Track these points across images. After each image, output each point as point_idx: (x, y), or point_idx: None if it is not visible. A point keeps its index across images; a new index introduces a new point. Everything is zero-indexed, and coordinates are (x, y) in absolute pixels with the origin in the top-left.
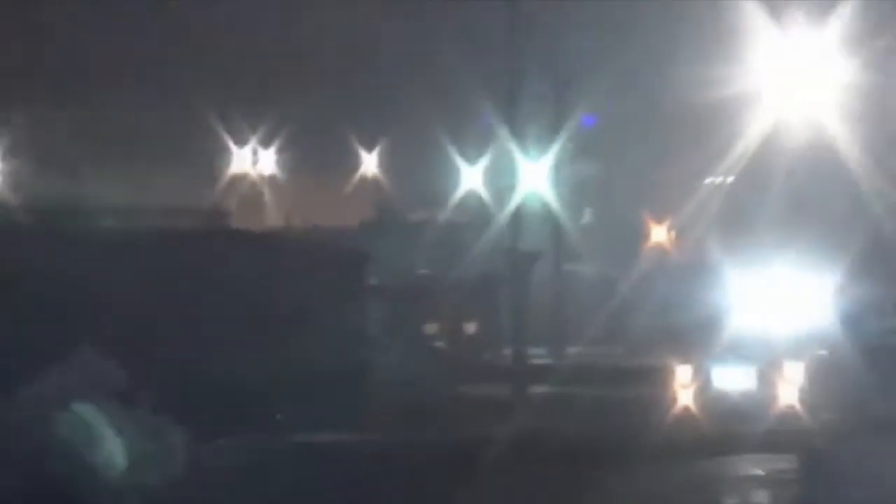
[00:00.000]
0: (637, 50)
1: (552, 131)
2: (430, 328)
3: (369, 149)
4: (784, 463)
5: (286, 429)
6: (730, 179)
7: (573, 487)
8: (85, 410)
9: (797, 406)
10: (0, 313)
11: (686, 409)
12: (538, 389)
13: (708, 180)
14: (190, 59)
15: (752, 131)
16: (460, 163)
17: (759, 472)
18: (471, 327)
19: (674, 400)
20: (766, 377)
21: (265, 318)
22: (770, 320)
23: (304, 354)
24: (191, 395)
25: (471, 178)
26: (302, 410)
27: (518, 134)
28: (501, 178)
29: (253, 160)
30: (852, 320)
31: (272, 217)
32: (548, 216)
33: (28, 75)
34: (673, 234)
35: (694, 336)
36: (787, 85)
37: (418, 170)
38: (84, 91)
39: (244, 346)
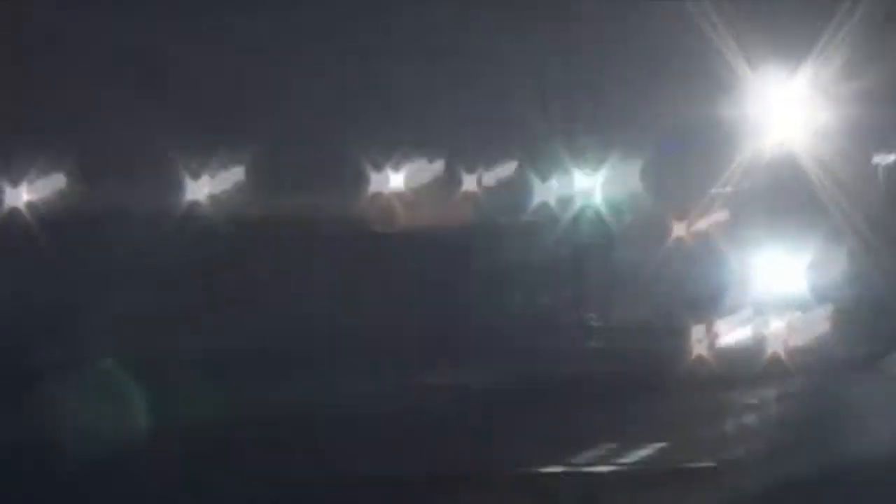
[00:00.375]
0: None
1: (602, 158)
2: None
3: (470, 172)
4: (772, 394)
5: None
6: (730, 189)
7: (621, 412)
8: None
9: (781, 354)
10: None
11: (700, 356)
12: (594, 344)
13: (714, 189)
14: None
15: (747, 154)
16: (535, 181)
17: (754, 400)
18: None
19: (691, 351)
20: (758, 333)
21: (399, 291)
22: (761, 291)
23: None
24: None
25: (543, 191)
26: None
27: (578, 159)
28: (566, 191)
29: (385, 182)
30: (821, 289)
31: (403, 222)
32: (599, 219)
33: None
34: (690, 229)
35: (705, 303)
36: (774, 118)
37: (504, 187)
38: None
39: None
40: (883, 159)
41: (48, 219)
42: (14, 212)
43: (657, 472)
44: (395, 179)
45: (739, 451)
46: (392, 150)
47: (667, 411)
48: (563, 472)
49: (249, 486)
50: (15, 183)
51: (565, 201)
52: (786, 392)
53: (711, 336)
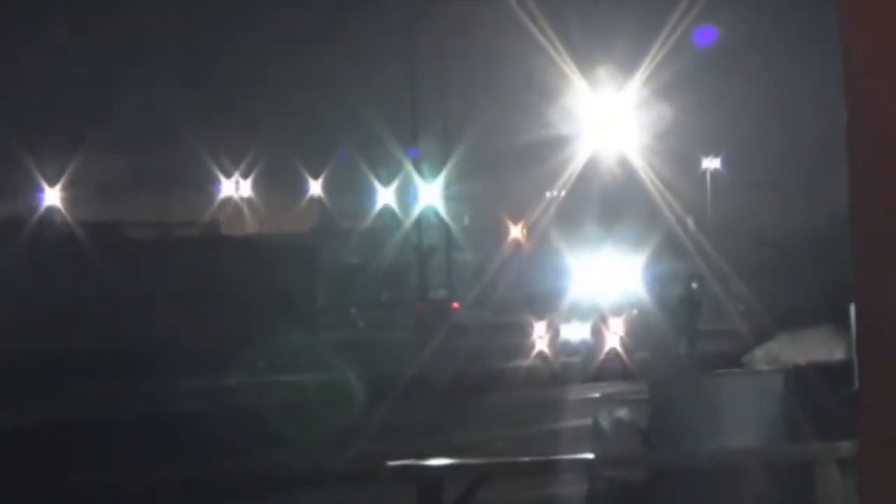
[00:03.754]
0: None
1: (442, 160)
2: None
3: (315, 177)
4: (611, 388)
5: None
6: (563, 193)
7: (462, 410)
8: None
9: (619, 349)
10: None
11: (541, 352)
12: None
13: (548, 193)
14: (183, 100)
15: (578, 159)
16: (377, 185)
17: (596, 394)
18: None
19: (532, 346)
20: (597, 329)
21: (246, 299)
22: (598, 289)
23: (273, 322)
24: None
25: (385, 195)
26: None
27: (418, 164)
28: (407, 196)
29: (235, 187)
30: (653, 288)
31: (249, 226)
32: (439, 222)
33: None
34: (525, 231)
35: (545, 301)
36: (602, 126)
37: (349, 191)
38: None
39: (231, 320)
40: (710, 163)
41: None
42: None
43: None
44: (243, 185)
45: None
46: (240, 156)
47: (514, 408)
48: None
49: None
50: None
51: (407, 205)
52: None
53: (552, 332)
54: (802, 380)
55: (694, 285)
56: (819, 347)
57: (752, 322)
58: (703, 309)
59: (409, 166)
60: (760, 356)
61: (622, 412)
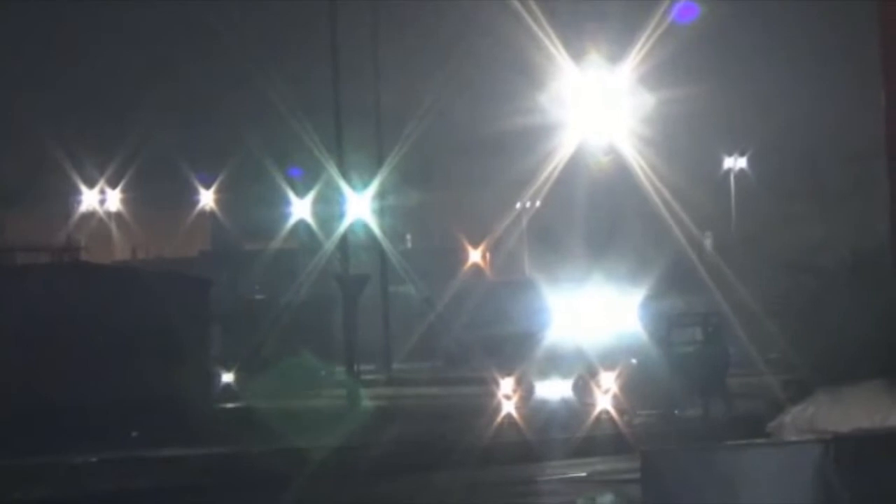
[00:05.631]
0: (451, 84)
1: (375, 164)
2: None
3: (207, 185)
4: (602, 465)
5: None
6: (537, 203)
7: (397, 494)
8: None
9: (611, 411)
10: None
11: (509, 416)
12: (369, 403)
13: (518, 204)
14: (36, 98)
15: (559, 158)
16: (291, 195)
17: (581, 473)
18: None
19: (497, 409)
20: (583, 386)
21: (114, 344)
22: (584, 333)
23: (150, 376)
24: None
25: (301, 208)
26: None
27: (344, 167)
28: (329, 208)
29: (101, 199)
30: (657, 332)
31: (120, 251)
32: (372, 242)
33: None
34: (487, 254)
35: (513, 349)
36: (590, 115)
37: (252, 202)
38: None
39: (93, 371)
40: (735, 163)
41: None
42: None
43: None
44: (110, 196)
45: None
46: (107, 158)
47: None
48: None
49: None
50: None
51: (329, 221)
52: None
53: (524, 389)
54: (846, 453)
55: (711, 327)
56: (869, 409)
57: (783, 374)
58: (731, 357)
59: (332, 169)
60: (790, 422)
61: (606, 499)
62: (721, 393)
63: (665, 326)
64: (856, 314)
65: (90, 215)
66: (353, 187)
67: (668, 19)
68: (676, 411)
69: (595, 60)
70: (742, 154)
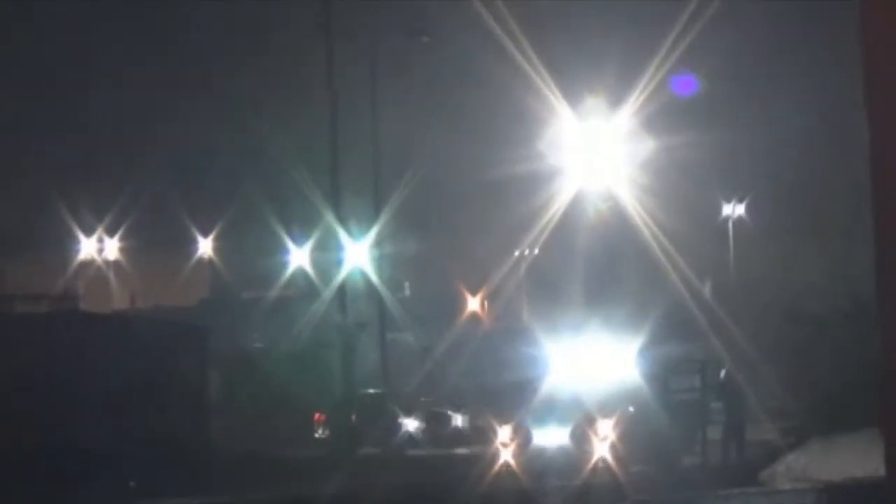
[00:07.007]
0: (449, 131)
1: (373, 213)
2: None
3: (205, 233)
4: None
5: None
6: (536, 251)
7: None
8: None
9: (609, 459)
10: None
11: (506, 464)
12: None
13: (517, 252)
14: (33, 146)
15: (557, 206)
16: (289, 244)
17: None
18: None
19: (495, 457)
20: (581, 434)
21: (111, 393)
22: (582, 380)
23: (149, 425)
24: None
25: (299, 257)
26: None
27: (342, 216)
28: (328, 256)
29: (99, 248)
30: (655, 379)
31: (118, 299)
32: (371, 290)
33: None
34: (485, 302)
35: (512, 397)
36: (586, 165)
37: (250, 251)
38: None
39: (90, 420)
40: (733, 210)
41: None
42: None
43: None
44: (108, 244)
45: None
46: (105, 206)
47: None
48: None
49: None
50: None
51: (328, 270)
52: None
53: (521, 437)
54: (839, 502)
55: (722, 374)
56: (861, 459)
57: (780, 422)
58: (746, 403)
59: (330, 218)
60: (784, 470)
61: None
62: (737, 441)
63: (663, 373)
64: (850, 361)
65: (88, 263)
66: (352, 234)
67: (669, 88)
68: (673, 460)
69: (593, 107)
70: (740, 200)
